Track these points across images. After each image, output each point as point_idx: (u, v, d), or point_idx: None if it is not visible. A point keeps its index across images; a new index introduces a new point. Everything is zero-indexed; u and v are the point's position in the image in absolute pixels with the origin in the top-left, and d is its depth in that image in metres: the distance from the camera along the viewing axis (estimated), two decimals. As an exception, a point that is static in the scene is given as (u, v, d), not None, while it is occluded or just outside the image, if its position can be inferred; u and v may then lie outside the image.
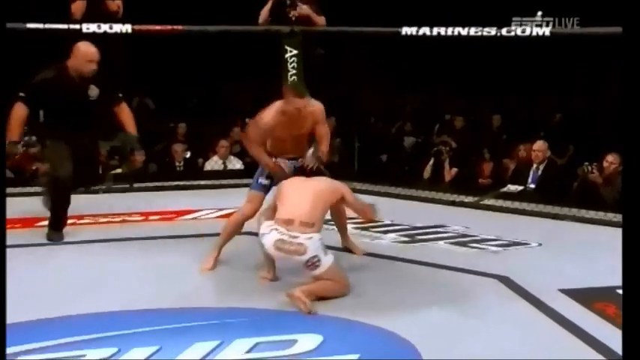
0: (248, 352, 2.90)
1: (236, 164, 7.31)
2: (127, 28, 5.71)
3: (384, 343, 3.05)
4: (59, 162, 4.48)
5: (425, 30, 5.52)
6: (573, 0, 5.29)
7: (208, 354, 2.86)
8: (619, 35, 3.25)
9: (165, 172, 7.33)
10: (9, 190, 6.05)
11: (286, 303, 3.40)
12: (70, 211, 4.69)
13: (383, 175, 7.17)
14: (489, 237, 4.74)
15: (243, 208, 4.06)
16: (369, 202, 3.92)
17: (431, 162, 7.70)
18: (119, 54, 6.05)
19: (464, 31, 5.41)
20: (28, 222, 5.03)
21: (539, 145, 6.53)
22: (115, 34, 5.67)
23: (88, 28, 5.63)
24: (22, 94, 4.39)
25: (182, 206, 5.59)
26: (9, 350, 2.84)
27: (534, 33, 5.23)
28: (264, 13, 6.23)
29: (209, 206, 5.53)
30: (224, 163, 7.34)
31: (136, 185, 6.38)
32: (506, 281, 3.81)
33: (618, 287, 3.33)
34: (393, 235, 4.83)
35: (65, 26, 5.73)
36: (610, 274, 3.53)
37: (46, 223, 4.71)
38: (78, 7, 6.02)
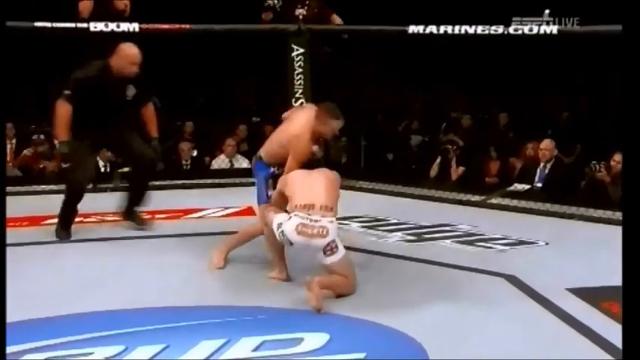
0: (254, 350, 2.90)
1: (243, 163, 7.31)
2: (134, 27, 5.72)
3: (390, 341, 3.05)
4: (78, 165, 4.48)
5: (432, 28, 5.51)
6: (573, 0, 5.27)
7: (215, 352, 2.87)
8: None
9: (171, 170, 7.33)
10: (17, 188, 6.08)
11: (293, 301, 3.40)
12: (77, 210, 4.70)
13: (389, 174, 7.16)
14: (496, 236, 4.73)
15: (261, 223, 3.89)
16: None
17: (438, 160, 7.69)
18: None
19: (471, 30, 5.40)
20: (35, 220, 5.05)
21: (547, 143, 6.51)
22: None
23: (95, 27, 5.64)
24: (66, 91, 4.30)
25: (189, 205, 5.60)
26: (16, 348, 2.86)
27: (542, 31, 5.22)
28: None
29: (216, 205, 5.54)
30: (231, 161, 7.35)
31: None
32: (513, 280, 3.80)
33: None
34: (399, 233, 4.83)
35: (73, 25, 5.75)
36: (617, 273, 3.46)
37: (52, 221, 4.74)
38: (85, 6, 6.04)
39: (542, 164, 6.46)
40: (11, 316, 2.93)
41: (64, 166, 7.74)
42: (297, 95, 6.01)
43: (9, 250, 3.79)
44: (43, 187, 6.24)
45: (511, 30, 5.29)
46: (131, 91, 4.48)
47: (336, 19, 6.40)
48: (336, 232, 3.54)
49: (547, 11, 5.22)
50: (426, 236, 4.77)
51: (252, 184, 4.25)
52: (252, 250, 4.12)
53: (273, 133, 4.22)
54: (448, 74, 9.54)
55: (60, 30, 5.70)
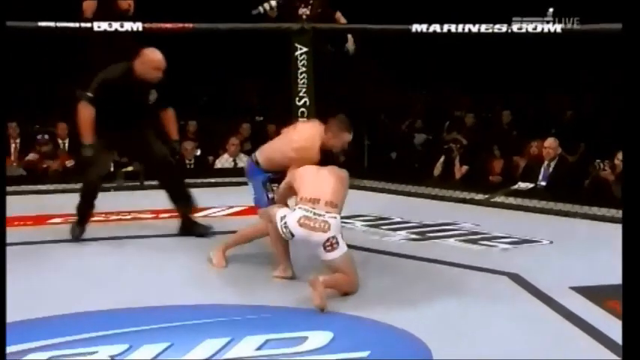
0: (258, 349, 2.91)
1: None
2: (137, 26, 5.72)
3: (394, 340, 3.05)
4: (94, 163, 4.47)
5: (435, 27, 5.50)
6: (573, 0, 5.27)
7: (219, 351, 2.87)
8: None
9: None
10: (22, 187, 6.10)
11: (297, 300, 3.40)
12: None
13: (393, 173, 7.17)
14: (500, 234, 4.73)
15: (262, 226, 3.92)
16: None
17: (441, 159, 7.69)
18: None
19: (474, 28, 5.39)
20: (39, 219, 5.06)
21: (550, 142, 6.50)
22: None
23: (99, 27, 5.65)
24: (89, 94, 4.27)
25: (193, 204, 5.59)
26: (19, 347, 2.86)
27: (545, 30, 5.21)
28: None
29: (219, 204, 5.54)
30: (234, 160, 7.36)
31: (146, 183, 6.40)
32: (516, 279, 3.80)
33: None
34: (403, 232, 4.82)
35: (76, 25, 5.75)
36: (621, 271, 3.51)
37: (56, 221, 4.78)
38: (89, 5, 6.04)
39: (545, 163, 6.46)
40: (14, 315, 2.95)
41: (68, 165, 7.80)
42: (300, 94, 6.01)
43: (12, 249, 3.81)
44: (47, 186, 6.26)
45: (514, 28, 5.29)
46: (153, 95, 4.45)
47: (341, 19, 6.40)
48: (339, 228, 3.55)
49: (551, 10, 5.21)
50: (430, 235, 4.77)
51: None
52: (255, 249, 4.12)
53: (273, 141, 4.24)
54: (451, 73, 9.54)
55: (64, 30, 5.70)
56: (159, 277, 3.85)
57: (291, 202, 3.87)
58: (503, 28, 5.33)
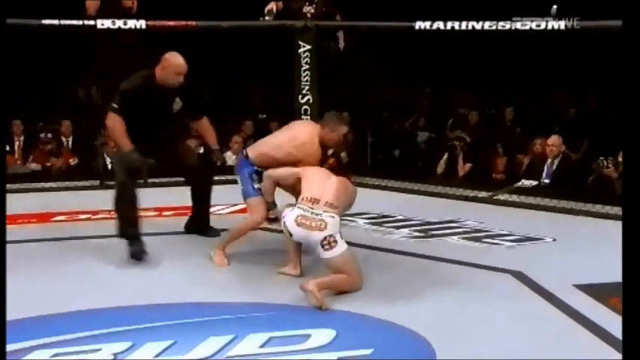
0: (262, 346, 2.91)
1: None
2: (141, 24, 5.72)
3: (397, 337, 3.05)
4: (119, 167, 4.40)
5: (439, 24, 5.49)
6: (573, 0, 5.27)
7: (222, 348, 2.88)
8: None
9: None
10: (25, 185, 6.12)
11: (300, 298, 3.40)
12: (85, 207, 4.72)
13: (396, 170, 7.16)
14: (503, 232, 4.73)
15: (253, 217, 3.99)
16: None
17: (445, 157, 7.68)
18: None
19: (478, 25, 5.38)
20: (43, 217, 5.07)
21: (554, 139, 6.49)
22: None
23: (102, 25, 5.65)
24: (114, 105, 4.21)
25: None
26: (23, 345, 2.87)
27: (549, 27, 5.20)
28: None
29: (222, 201, 5.54)
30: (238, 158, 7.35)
31: (150, 181, 6.39)
32: (520, 276, 3.80)
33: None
34: (406, 230, 4.82)
35: (80, 23, 5.76)
36: (621, 269, 3.51)
37: (60, 218, 4.83)
38: (92, 3, 6.05)
39: (549, 160, 6.44)
40: (16, 314, 2.96)
41: (72, 163, 7.79)
42: (303, 92, 6.01)
43: (14, 247, 3.82)
44: (51, 184, 6.27)
45: (518, 26, 5.28)
46: (178, 104, 4.38)
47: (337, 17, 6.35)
48: (337, 227, 3.54)
49: (555, 7, 5.20)
50: (433, 233, 4.77)
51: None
52: (257, 247, 4.13)
53: (267, 138, 4.25)
54: (455, 70, 9.52)
55: (67, 28, 5.71)
56: (162, 274, 3.86)
57: (291, 202, 3.87)
58: (507, 25, 5.32)
